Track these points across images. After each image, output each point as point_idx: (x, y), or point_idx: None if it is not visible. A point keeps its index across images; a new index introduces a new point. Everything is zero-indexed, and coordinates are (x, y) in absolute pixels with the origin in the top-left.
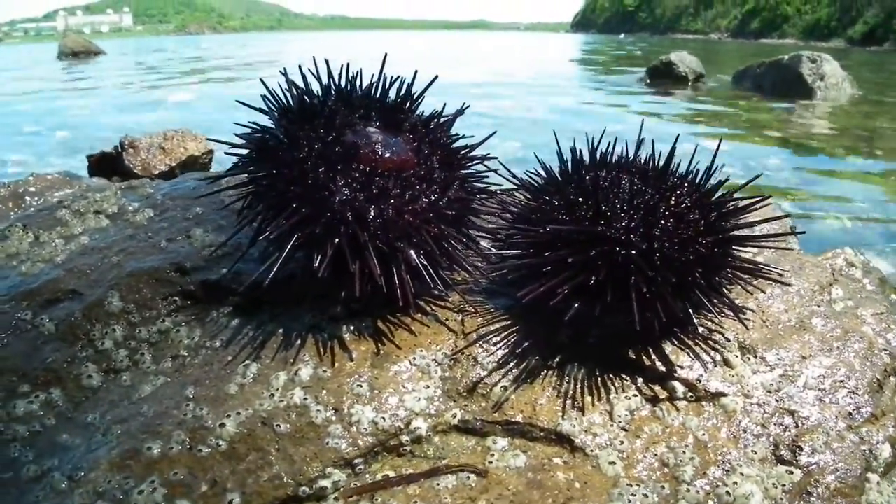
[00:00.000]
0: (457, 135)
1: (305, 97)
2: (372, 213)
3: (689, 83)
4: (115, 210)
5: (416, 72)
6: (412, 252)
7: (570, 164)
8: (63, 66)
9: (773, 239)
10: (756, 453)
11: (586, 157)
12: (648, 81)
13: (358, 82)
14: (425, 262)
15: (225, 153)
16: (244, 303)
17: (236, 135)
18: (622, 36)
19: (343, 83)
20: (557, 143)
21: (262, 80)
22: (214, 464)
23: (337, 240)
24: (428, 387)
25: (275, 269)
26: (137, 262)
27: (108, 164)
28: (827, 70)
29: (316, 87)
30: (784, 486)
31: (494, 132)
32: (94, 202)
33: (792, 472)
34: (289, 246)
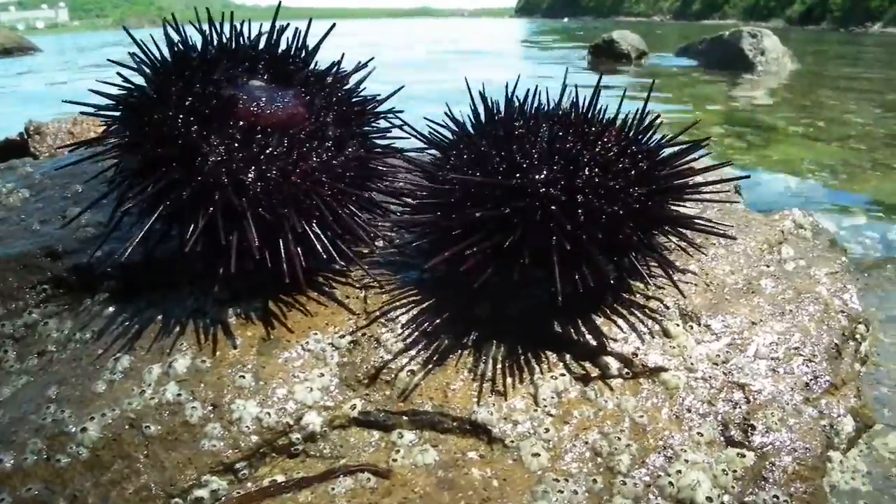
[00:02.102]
0: (361, 89)
1: (180, 46)
2: (251, 175)
3: (633, 60)
4: None
5: (310, 19)
6: (301, 220)
7: (483, 115)
8: None
9: (715, 188)
10: (702, 436)
11: (501, 108)
12: (590, 60)
13: (246, 33)
14: (318, 232)
15: (80, 112)
16: (121, 288)
17: (95, 92)
18: (566, 20)
19: (227, 34)
20: (471, 96)
21: (125, 28)
22: (75, 475)
23: (211, 208)
24: (322, 375)
25: (133, 244)
26: (4, 247)
27: (13, 153)
28: (767, 45)
29: (199, 40)
30: (735, 471)
31: (403, 86)
32: None
33: (744, 456)
34: (153, 216)
